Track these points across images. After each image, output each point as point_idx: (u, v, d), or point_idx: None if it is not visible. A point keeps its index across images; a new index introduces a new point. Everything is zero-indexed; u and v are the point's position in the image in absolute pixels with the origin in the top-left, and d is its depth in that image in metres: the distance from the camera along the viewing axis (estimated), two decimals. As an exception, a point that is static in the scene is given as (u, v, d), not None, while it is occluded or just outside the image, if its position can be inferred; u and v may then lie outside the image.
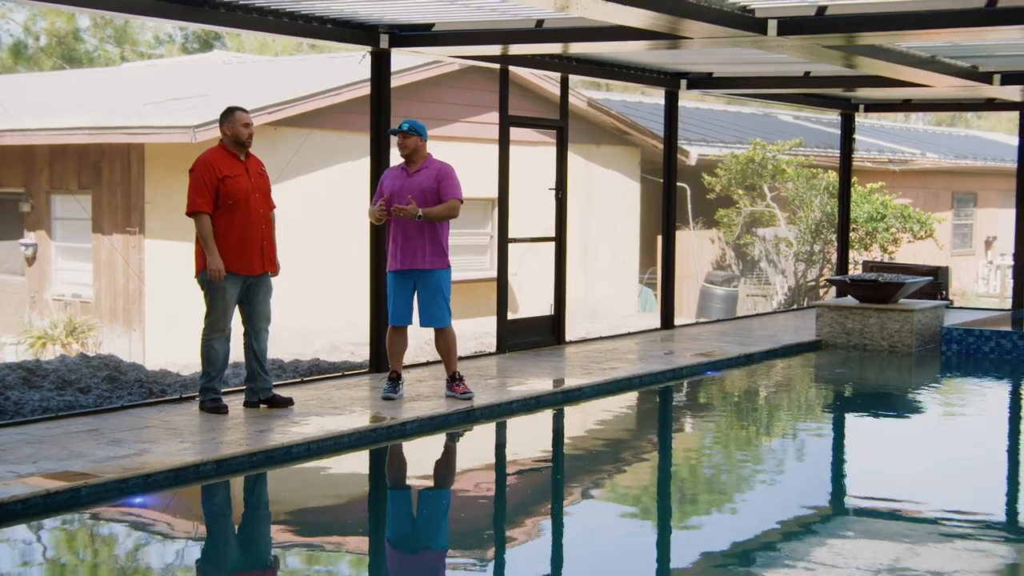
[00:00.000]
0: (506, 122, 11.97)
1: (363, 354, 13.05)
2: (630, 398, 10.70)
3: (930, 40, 10.58)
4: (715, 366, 11.86)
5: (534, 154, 15.42)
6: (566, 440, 9.48)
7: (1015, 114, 16.54)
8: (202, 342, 8.58)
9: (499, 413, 9.39)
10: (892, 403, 11.20)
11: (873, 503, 7.41)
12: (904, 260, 20.43)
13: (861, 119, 19.38)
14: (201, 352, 8.60)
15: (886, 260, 20.67)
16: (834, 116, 20.33)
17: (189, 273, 8.72)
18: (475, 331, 16.56)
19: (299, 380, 10.35)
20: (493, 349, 12.28)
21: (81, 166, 17.83)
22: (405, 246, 9.12)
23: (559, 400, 10.06)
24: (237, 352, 8.94)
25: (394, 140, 9.46)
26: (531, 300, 17.20)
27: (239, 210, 8.48)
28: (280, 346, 15.09)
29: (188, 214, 8.48)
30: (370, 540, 6.75)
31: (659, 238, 15.07)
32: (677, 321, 14.84)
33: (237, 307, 8.67)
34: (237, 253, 8.48)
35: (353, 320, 15.42)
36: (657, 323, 14.76)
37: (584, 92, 22.27)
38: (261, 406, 8.80)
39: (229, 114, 8.63)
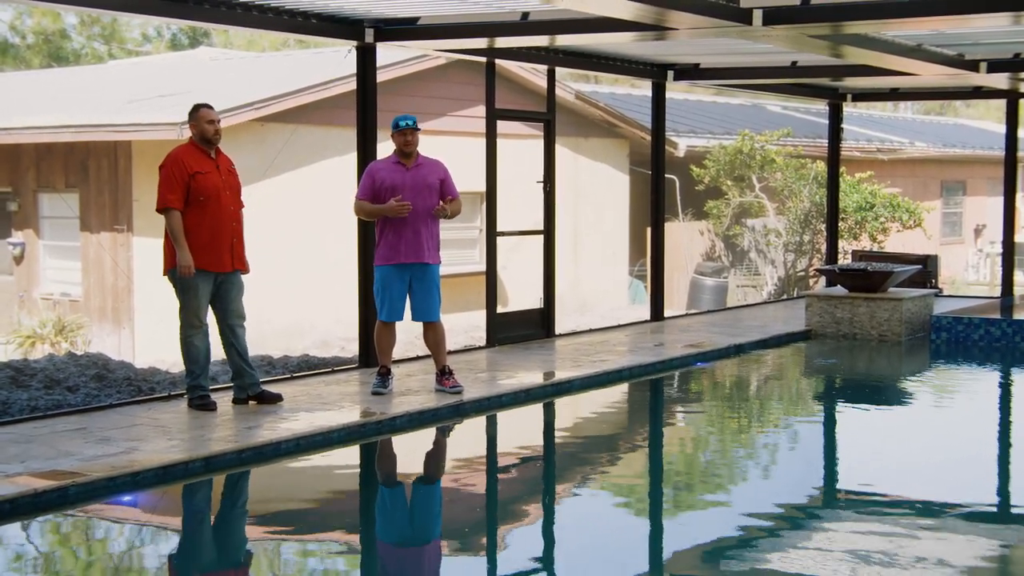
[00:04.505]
0: (493, 115, 11.95)
1: (353, 349, 13.03)
2: (620, 390, 10.70)
3: (915, 28, 10.57)
4: (705, 357, 11.86)
5: (522, 147, 15.38)
6: (557, 433, 9.48)
7: (1003, 102, 16.56)
8: (181, 340, 8.56)
9: (489, 407, 9.38)
10: (882, 392, 11.21)
11: (864, 491, 7.42)
12: (893, 249, 20.45)
13: (849, 109, 19.39)
14: (182, 351, 8.58)
15: (875, 249, 20.69)
16: (822, 106, 20.34)
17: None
18: (465, 325, 16.55)
19: (288, 376, 10.33)
20: (483, 343, 12.27)
21: (68, 164, 17.77)
22: (413, 240, 9.11)
23: (549, 393, 10.06)
24: (220, 349, 8.91)
25: (386, 135, 9.39)
26: (520, 293, 17.19)
27: (209, 207, 8.45)
28: (270, 342, 15.08)
29: (158, 210, 8.45)
30: (361, 535, 6.74)
31: (648, 230, 15.06)
32: (667, 312, 14.84)
33: (210, 306, 8.64)
34: (208, 250, 8.45)
35: (342, 316, 15.40)
36: (647, 315, 14.75)
37: (572, 85, 22.24)
38: (250, 403, 8.78)
39: (195, 111, 8.62)
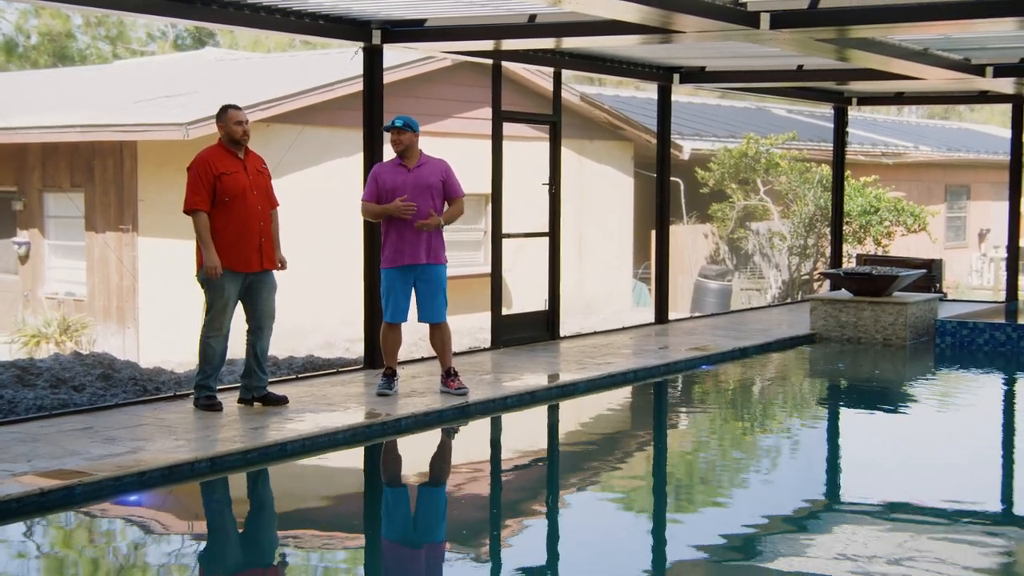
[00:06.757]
0: (499, 117, 11.96)
1: (358, 350, 13.04)
2: (625, 393, 10.71)
3: (922, 32, 10.58)
4: (709, 360, 11.86)
5: (527, 149, 15.39)
6: (561, 435, 9.49)
7: (1008, 106, 16.56)
8: (200, 339, 8.58)
9: (494, 408, 9.38)
10: (886, 396, 11.21)
11: (868, 496, 7.42)
12: (898, 253, 20.45)
13: (854, 112, 19.37)
14: (199, 349, 8.60)
15: (880, 253, 20.69)
16: (827, 110, 20.34)
17: (182, 270, 8.72)
18: (469, 327, 16.55)
19: (294, 377, 10.35)
20: (487, 345, 12.28)
21: (74, 164, 17.80)
22: (413, 241, 9.11)
23: (554, 395, 10.06)
24: (233, 351, 8.92)
25: (386, 136, 9.45)
26: (525, 295, 17.19)
27: (235, 207, 8.48)
28: (275, 343, 15.03)
29: (185, 212, 8.49)
30: (366, 536, 6.76)
31: (653, 233, 15.07)
32: (671, 315, 14.84)
33: (241, 304, 8.67)
34: (234, 250, 8.47)
35: (348, 316, 15.41)
36: (651, 318, 14.76)
37: (577, 87, 22.25)
38: (255, 404, 8.79)
39: (223, 113, 8.65)
